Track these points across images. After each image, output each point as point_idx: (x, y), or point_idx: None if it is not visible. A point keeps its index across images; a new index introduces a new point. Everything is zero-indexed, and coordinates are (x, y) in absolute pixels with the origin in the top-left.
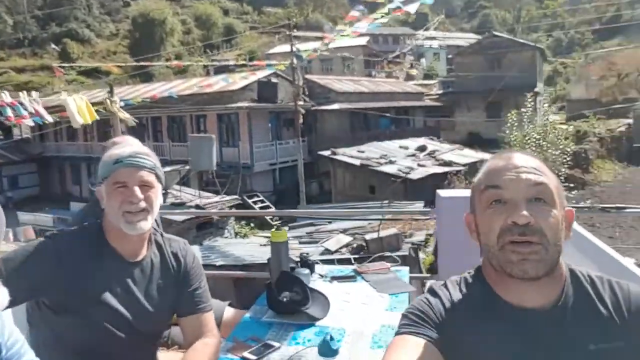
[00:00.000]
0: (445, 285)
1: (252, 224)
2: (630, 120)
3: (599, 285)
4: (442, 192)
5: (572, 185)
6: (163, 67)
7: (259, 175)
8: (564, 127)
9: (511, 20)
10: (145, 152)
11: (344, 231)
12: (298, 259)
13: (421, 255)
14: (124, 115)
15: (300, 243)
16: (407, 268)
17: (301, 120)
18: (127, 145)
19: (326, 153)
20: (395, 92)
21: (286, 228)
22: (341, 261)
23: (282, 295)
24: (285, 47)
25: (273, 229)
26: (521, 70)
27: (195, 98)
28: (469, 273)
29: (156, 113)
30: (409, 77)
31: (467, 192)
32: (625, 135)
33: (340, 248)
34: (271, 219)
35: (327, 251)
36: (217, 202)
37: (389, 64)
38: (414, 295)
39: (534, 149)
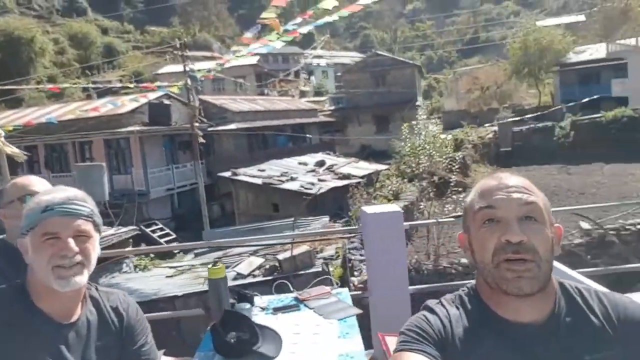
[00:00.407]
0: (441, 303)
1: (152, 255)
2: (496, 128)
3: (588, 297)
4: (367, 209)
5: (460, 189)
6: (34, 90)
7: (156, 202)
8: (444, 136)
9: (389, 40)
10: (81, 198)
11: (254, 253)
12: (235, 295)
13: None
14: (12, 149)
15: None
16: (346, 289)
17: (202, 141)
18: (56, 190)
19: (226, 174)
20: (290, 109)
21: (191, 256)
22: (255, 284)
23: (229, 336)
24: (175, 68)
25: (210, 265)
26: (403, 86)
27: (78, 123)
28: (463, 291)
29: (31, 142)
30: (302, 95)
31: (388, 207)
32: (493, 141)
33: (253, 271)
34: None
35: (240, 275)
36: (112, 234)
37: (281, 82)
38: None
39: (426, 158)
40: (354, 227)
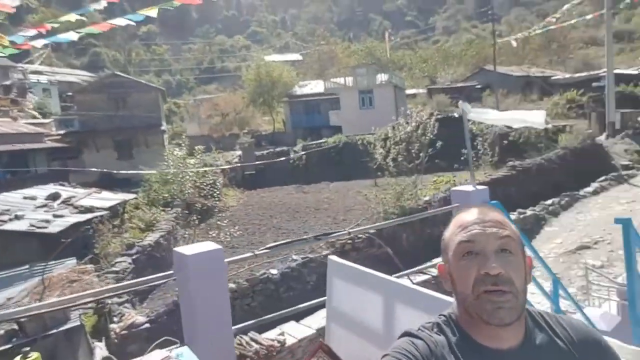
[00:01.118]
0: (422, 330)
1: None
2: (240, 152)
3: (550, 321)
4: (185, 250)
5: (218, 213)
6: None
7: None
8: (193, 161)
9: (123, 61)
10: None
11: None
12: None
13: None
14: None
15: None
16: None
17: None
18: None
19: None
20: (7, 133)
21: None
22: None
23: None
24: None
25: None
26: (147, 110)
27: None
28: (440, 319)
29: None
30: (21, 115)
31: (206, 246)
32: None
33: None
34: None
35: None
36: None
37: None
38: None
39: (177, 184)
40: (169, 272)
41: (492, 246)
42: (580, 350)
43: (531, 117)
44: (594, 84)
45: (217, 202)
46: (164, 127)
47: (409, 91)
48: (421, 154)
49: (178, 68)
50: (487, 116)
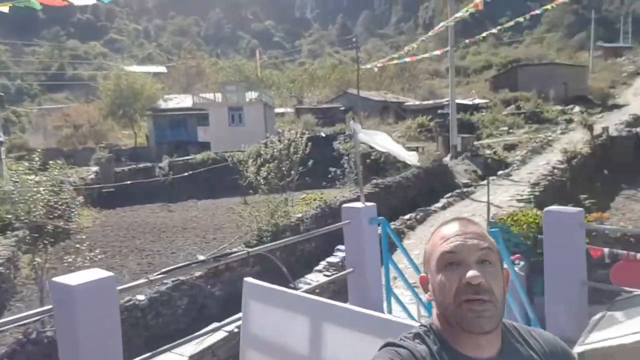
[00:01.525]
0: (404, 340)
1: None
2: (97, 168)
3: (523, 333)
4: (67, 279)
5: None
6: None
7: None
8: (33, 177)
9: None
10: None
11: None
12: None
13: None
14: None
15: None
16: None
17: None
18: None
19: None
20: None
21: None
22: None
23: None
24: None
25: None
26: None
27: None
28: (421, 329)
29: None
30: None
31: (94, 274)
32: (95, 182)
33: None
34: None
35: None
36: None
37: None
38: None
39: (22, 204)
40: (44, 309)
41: (473, 257)
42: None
43: (408, 156)
44: (439, 111)
45: (68, 224)
46: (1, 137)
47: (277, 110)
48: (292, 172)
49: (19, 72)
50: (375, 139)
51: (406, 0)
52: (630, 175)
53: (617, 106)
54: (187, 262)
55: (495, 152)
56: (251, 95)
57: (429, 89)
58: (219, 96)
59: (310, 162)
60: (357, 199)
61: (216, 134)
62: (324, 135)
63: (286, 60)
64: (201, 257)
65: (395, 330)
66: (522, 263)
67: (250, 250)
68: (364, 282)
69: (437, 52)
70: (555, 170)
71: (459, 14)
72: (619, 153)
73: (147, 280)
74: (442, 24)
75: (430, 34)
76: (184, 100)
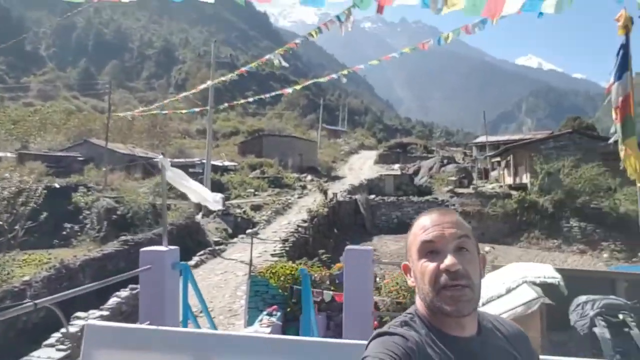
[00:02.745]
0: (395, 327)
1: None
2: None
3: (490, 318)
4: None
5: None
6: None
7: None
8: None
9: None
10: None
11: None
12: None
13: None
14: None
15: None
16: None
17: None
18: None
19: None
20: None
21: None
22: None
23: None
24: None
25: None
26: None
27: None
28: (406, 316)
29: None
30: None
31: None
32: None
33: None
34: None
35: None
36: None
37: None
38: None
39: None
40: None
41: (450, 245)
42: (514, 341)
43: (213, 200)
44: (190, 170)
45: None
46: None
47: None
48: (17, 227)
49: None
50: (186, 182)
51: (159, 58)
52: (353, 233)
53: (338, 177)
54: None
55: (244, 212)
56: None
57: (180, 148)
58: None
59: (44, 216)
60: (100, 258)
61: None
62: (57, 186)
63: (7, 98)
64: None
65: None
66: (278, 314)
67: (37, 302)
68: None
69: (196, 110)
70: (299, 228)
71: (225, 77)
72: (344, 215)
73: None
74: (208, 83)
75: (194, 91)
76: None
